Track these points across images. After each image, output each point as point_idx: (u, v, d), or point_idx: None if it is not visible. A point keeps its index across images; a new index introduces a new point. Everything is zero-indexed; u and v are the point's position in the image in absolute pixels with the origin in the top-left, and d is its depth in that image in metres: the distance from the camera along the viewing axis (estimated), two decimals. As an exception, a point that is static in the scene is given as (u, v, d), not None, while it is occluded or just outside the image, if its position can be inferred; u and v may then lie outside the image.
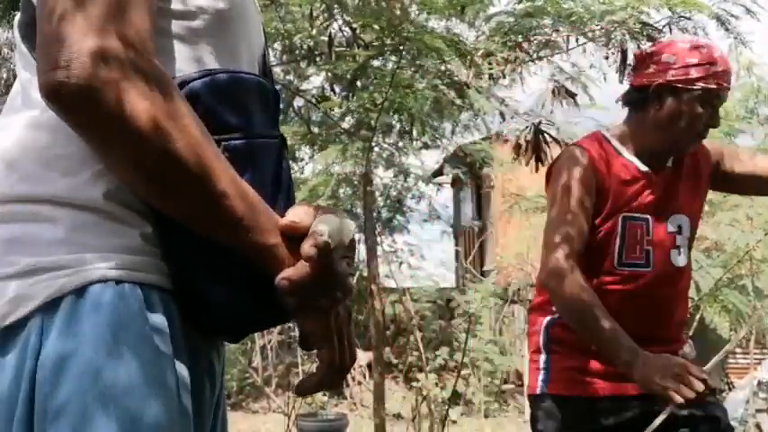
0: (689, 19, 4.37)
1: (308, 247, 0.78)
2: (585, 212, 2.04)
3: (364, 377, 8.42)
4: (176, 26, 0.84)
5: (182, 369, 0.81)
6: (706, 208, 7.99)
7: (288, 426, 6.23)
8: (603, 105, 7.91)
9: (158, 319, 0.79)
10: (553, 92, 5.28)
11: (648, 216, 2.10)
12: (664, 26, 4.49)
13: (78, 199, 0.79)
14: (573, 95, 5.25)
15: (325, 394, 8.13)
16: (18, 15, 0.90)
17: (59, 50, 0.71)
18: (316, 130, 6.06)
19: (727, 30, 4.25)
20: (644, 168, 2.10)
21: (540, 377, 2.15)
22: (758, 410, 6.53)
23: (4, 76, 6.26)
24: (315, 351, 0.89)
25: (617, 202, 2.08)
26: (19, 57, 0.89)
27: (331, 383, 0.89)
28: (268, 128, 0.91)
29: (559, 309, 2.07)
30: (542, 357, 2.15)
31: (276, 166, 0.90)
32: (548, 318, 2.16)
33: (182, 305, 0.83)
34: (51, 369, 0.74)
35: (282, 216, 0.83)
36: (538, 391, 2.15)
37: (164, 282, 0.81)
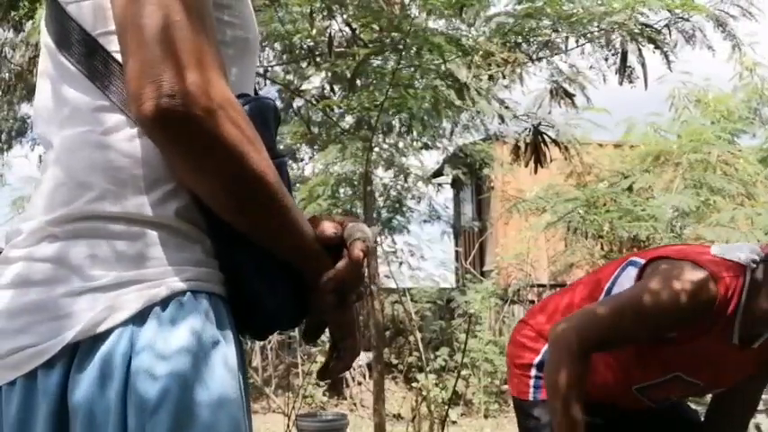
0: (687, 20, 4.37)
1: (358, 251, 0.91)
2: (650, 334, 1.90)
3: (364, 377, 8.42)
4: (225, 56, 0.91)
5: (241, 372, 0.90)
6: (704, 209, 7.99)
7: (288, 426, 6.24)
8: (604, 108, 7.95)
9: (228, 325, 0.88)
10: (551, 92, 5.29)
11: (700, 383, 2.00)
12: (663, 27, 4.49)
13: (152, 217, 0.86)
14: (571, 96, 5.25)
15: (325, 394, 8.14)
16: (48, 24, 0.94)
17: (161, 82, 0.78)
18: (315, 130, 6.07)
19: (724, 31, 4.26)
20: (735, 341, 1.88)
21: (532, 384, 2.14)
22: (758, 411, 6.53)
23: (5, 76, 6.27)
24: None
25: (684, 361, 1.94)
26: (57, 68, 0.92)
27: (349, 368, 1.01)
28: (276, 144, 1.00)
29: (546, 375, 1.98)
30: (533, 372, 2.15)
31: (288, 183, 0.99)
32: (545, 347, 2.12)
33: (234, 311, 0.92)
34: (145, 374, 0.80)
35: None
36: (530, 397, 2.14)
37: (223, 291, 0.89)
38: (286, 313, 0.94)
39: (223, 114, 0.80)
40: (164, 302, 0.83)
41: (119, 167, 0.86)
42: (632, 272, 1.99)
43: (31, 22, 4.77)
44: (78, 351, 0.82)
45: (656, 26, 4.50)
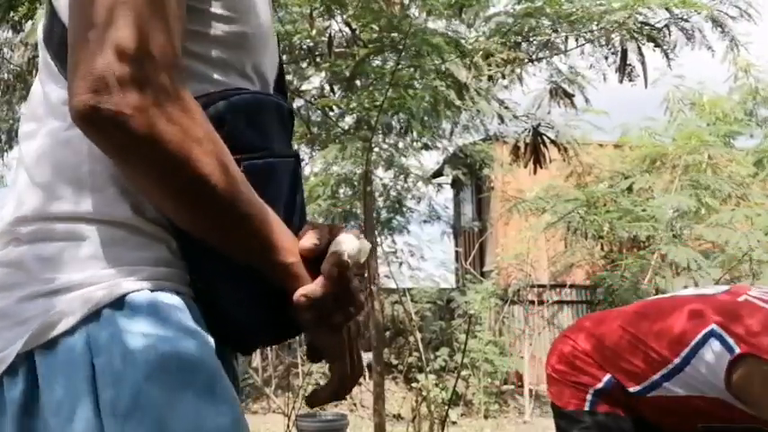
0: (687, 20, 4.38)
1: (329, 267, 0.82)
2: None
3: (364, 377, 8.42)
4: (203, 48, 0.86)
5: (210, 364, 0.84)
6: (703, 210, 7.99)
7: (288, 426, 6.23)
8: (603, 110, 7.95)
9: (196, 317, 0.83)
10: (551, 93, 5.29)
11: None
12: (662, 27, 4.50)
13: (107, 215, 0.82)
14: (570, 97, 5.25)
15: (324, 395, 8.11)
16: (42, 20, 0.91)
17: (91, 75, 0.72)
18: (315, 130, 6.06)
19: (722, 31, 4.26)
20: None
21: (589, 399, 2.15)
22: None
23: (5, 76, 6.27)
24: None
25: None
26: (43, 64, 0.90)
27: (341, 395, 0.92)
28: (284, 146, 0.93)
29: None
30: (591, 392, 2.16)
31: (292, 185, 0.92)
32: (609, 377, 2.15)
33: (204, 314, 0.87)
34: (110, 377, 0.77)
35: (297, 232, 0.86)
36: (586, 408, 2.15)
37: (190, 292, 0.84)
38: (259, 327, 0.88)
39: (158, 112, 0.73)
40: (117, 303, 0.79)
41: (76, 164, 0.83)
42: (718, 351, 1.98)
43: (30, 22, 4.77)
44: (36, 358, 0.79)
45: (655, 26, 4.50)
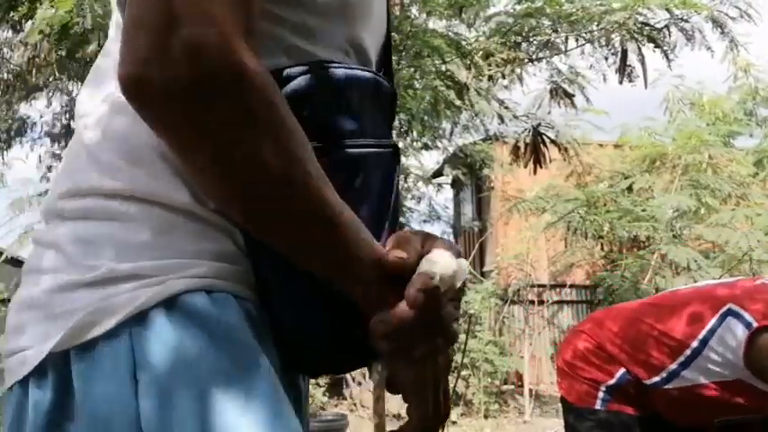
0: (687, 21, 4.38)
1: (414, 292, 0.66)
2: None
3: (364, 377, 8.42)
4: (289, 12, 0.72)
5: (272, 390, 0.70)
6: (703, 210, 8.00)
7: (287, 426, 6.22)
8: (603, 110, 7.96)
9: (259, 330, 0.70)
10: (551, 93, 5.29)
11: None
12: (662, 27, 4.50)
13: (165, 197, 0.70)
14: (570, 97, 5.26)
15: (325, 394, 8.14)
16: None
17: (145, 41, 0.61)
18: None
19: (722, 32, 4.27)
20: None
21: (600, 397, 2.14)
22: None
23: (5, 76, 6.27)
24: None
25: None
26: (115, 26, 0.79)
27: None
28: (381, 134, 0.79)
29: None
30: (603, 389, 2.15)
31: (386, 180, 0.78)
32: (623, 371, 2.14)
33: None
34: (155, 393, 0.65)
35: (385, 240, 0.73)
36: (597, 407, 2.14)
37: (251, 295, 0.71)
38: (326, 350, 0.74)
39: (218, 86, 0.61)
40: (167, 304, 0.67)
41: (132, 136, 0.71)
42: (737, 328, 1.97)
43: (30, 22, 4.77)
44: (71, 361, 0.67)
45: (655, 26, 4.51)
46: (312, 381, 7.84)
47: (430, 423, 0.76)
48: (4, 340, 0.73)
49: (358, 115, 0.74)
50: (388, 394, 6.32)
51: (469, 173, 8.88)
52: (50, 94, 6.83)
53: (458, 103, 4.94)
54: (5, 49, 6.09)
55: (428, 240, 0.72)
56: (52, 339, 0.67)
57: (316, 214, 0.65)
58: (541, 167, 5.53)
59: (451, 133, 6.82)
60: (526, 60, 5.01)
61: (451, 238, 11.46)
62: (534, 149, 5.35)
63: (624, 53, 4.53)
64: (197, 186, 0.69)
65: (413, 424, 0.77)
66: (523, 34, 4.82)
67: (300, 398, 0.80)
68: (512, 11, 4.82)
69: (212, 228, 0.70)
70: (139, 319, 0.66)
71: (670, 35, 4.50)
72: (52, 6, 4.21)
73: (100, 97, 0.75)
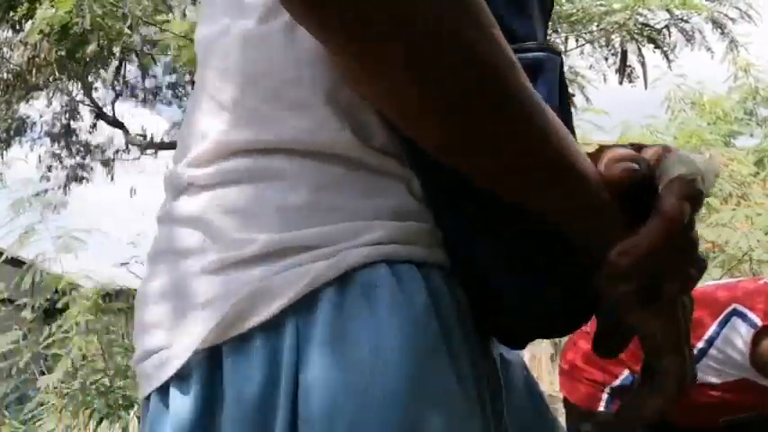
0: (687, 21, 4.39)
1: (674, 202, 0.49)
2: None
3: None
4: None
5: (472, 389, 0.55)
6: (703, 210, 8.06)
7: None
8: (603, 110, 7.96)
9: (450, 317, 0.55)
10: (551, 92, 5.31)
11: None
12: (662, 28, 4.51)
13: (319, 144, 0.55)
14: (570, 96, 5.28)
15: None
16: None
17: None
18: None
19: (722, 32, 4.28)
20: None
21: (605, 398, 2.14)
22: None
23: (5, 76, 6.28)
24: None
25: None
26: None
27: (672, 406, 0.58)
28: (544, 38, 0.63)
29: None
30: (607, 391, 2.15)
31: (560, 89, 0.61)
32: (627, 373, 2.12)
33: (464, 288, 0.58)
34: (321, 399, 0.50)
35: None
36: (601, 408, 2.14)
37: (441, 257, 0.56)
38: (545, 314, 0.58)
39: None
40: (340, 282, 0.52)
41: (266, 72, 0.56)
42: (742, 328, 1.98)
43: (30, 22, 4.78)
44: (221, 358, 0.53)
45: (655, 27, 4.51)
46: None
47: (685, 383, 0.57)
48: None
49: (529, 15, 0.60)
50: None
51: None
52: (50, 93, 6.85)
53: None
54: (5, 49, 6.10)
55: (648, 150, 0.54)
56: (199, 334, 0.53)
57: (546, 125, 0.49)
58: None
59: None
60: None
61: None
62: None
63: (624, 54, 4.54)
64: (388, 114, 0.53)
65: (670, 385, 0.57)
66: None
67: (498, 388, 0.62)
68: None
69: (383, 176, 0.55)
70: (306, 303, 0.52)
71: (670, 36, 4.51)
72: (52, 6, 4.22)
73: (227, 34, 0.59)
